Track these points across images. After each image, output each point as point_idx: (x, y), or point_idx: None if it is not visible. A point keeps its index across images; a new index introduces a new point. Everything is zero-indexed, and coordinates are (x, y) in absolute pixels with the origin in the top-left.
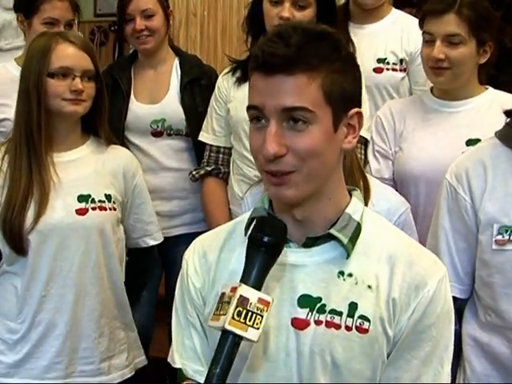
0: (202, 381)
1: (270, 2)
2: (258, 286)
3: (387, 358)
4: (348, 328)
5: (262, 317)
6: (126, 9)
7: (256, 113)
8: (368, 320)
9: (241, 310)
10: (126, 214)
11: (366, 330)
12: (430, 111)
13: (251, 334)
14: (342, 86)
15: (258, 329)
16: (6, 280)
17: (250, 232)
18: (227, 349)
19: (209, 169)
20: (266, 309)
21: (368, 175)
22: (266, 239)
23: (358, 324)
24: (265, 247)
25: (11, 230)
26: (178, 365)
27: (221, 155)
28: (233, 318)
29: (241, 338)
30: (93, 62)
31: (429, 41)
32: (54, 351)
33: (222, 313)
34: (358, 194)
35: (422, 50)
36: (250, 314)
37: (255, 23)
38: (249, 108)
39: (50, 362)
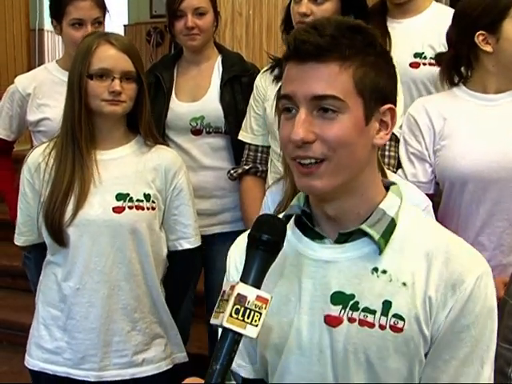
0: (244, 374)
1: (294, 0)
2: (257, 284)
3: (425, 357)
4: (382, 327)
5: (260, 314)
6: (179, 5)
7: (287, 102)
8: (402, 319)
9: (239, 307)
10: (165, 213)
11: (401, 329)
12: (471, 106)
13: (250, 331)
14: (375, 80)
15: (256, 326)
16: (50, 269)
17: (249, 231)
18: (227, 346)
19: (246, 167)
20: (264, 306)
21: (388, 172)
22: (264, 238)
23: (392, 323)
24: (263, 245)
25: (52, 223)
26: None
27: (259, 154)
28: (230, 315)
29: (240, 335)
30: (133, 64)
31: None
32: (89, 343)
33: (221, 310)
34: (395, 189)
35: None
36: (248, 311)
37: (289, 23)
38: (280, 98)
39: (86, 354)
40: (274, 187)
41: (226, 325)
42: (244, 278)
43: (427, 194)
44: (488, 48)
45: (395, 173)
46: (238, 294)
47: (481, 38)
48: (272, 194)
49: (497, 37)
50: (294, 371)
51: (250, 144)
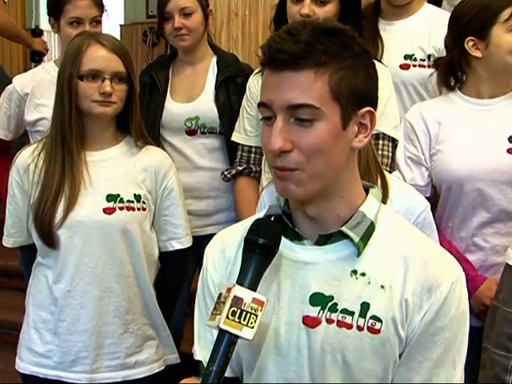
0: None
1: (292, 0)
2: (253, 287)
3: (399, 358)
4: (359, 328)
5: (256, 316)
6: (165, 7)
7: (265, 110)
8: (380, 321)
9: (235, 309)
10: (155, 214)
11: (378, 331)
12: (465, 111)
13: (246, 332)
14: (351, 83)
15: (252, 328)
16: (40, 272)
17: (245, 234)
18: (223, 347)
19: (240, 168)
20: (260, 308)
21: (387, 173)
22: (260, 241)
23: (369, 324)
24: (259, 249)
25: (42, 225)
26: (198, 357)
27: (252, 155)
28: (227, 317)
29: (236, 336)
30: (124, 64)
31: None
32: (81, 346)
33: (217, 312)
34: (375, 192)
35: (511, 41)
36: (244, 313)
37: (281, 24)
38: (259, 105)
39: (77, 357)
40: (271, 187)
41: (222, 326)
42: (240, 281)
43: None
44: (478, 54)
45: (390, 172)
46: (235, 297)
47: (471, 43)
48: (268, 193)
49: (486, 43)
50: (271, 370)
51: (243, 145)
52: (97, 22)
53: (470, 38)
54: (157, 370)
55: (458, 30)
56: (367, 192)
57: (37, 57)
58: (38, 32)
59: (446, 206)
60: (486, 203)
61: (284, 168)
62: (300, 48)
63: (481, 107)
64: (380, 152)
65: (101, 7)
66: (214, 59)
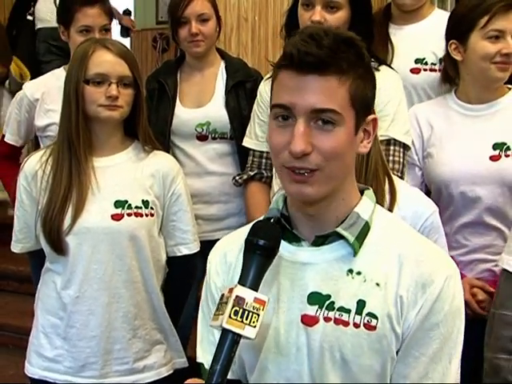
0: None
1: (303, 7)
2: (254, 287)
3: (396, 354)
4: (356, 325)
5: (258, 315)
6: (182, 12)
7: (282, 111)
8: (376, 317)
9: (237, 309)
10: (163, 220)
11: (374, 327)
12: (456, 115)
13: (248, 331)
14: (364, 91)
15: (254, 327)
16: (48, 277)
17: (246, 236)
18: (227, 347)
19: (251, 173)
20: (262, 308)
21: (395, 178)
22: (261, 242)
23: (365, 321)
24: (260, 250)
25: (50, 231)
26: (200, 359)
27: (264, 160)
28: (230, 317)
29: (239, 336)
30: (130, 69)
31: (494, 37)
32: (90, 351)
33: (220, 313)
34: (369, 194)
35: (484, 47)
36: (246, 312)
37: (292, 30)
38: (275, 106)
39: (86, 362)
40: (282, 192)
41: (225, 326)
42: (242, 281)
43: None
44: (458, 57)
45: (400, 177)
46: (237, 296)
47: (453, 46)
48: None
49: (465, 47)
50: (272, 369)
51: (254, 150)
52: (106, 30)
53: (452, 41)
54: (165, 374)
55: (446, 33)
56: (362, 194)
57: (125, 32)
58: (127, 12)
59: (436, 204)
60: (470, 205)
61: (304, 169)
62: (325, 53)
63: (470, 112)
64: (391, 158)
65: (110, 15)
66: (222, 64)
